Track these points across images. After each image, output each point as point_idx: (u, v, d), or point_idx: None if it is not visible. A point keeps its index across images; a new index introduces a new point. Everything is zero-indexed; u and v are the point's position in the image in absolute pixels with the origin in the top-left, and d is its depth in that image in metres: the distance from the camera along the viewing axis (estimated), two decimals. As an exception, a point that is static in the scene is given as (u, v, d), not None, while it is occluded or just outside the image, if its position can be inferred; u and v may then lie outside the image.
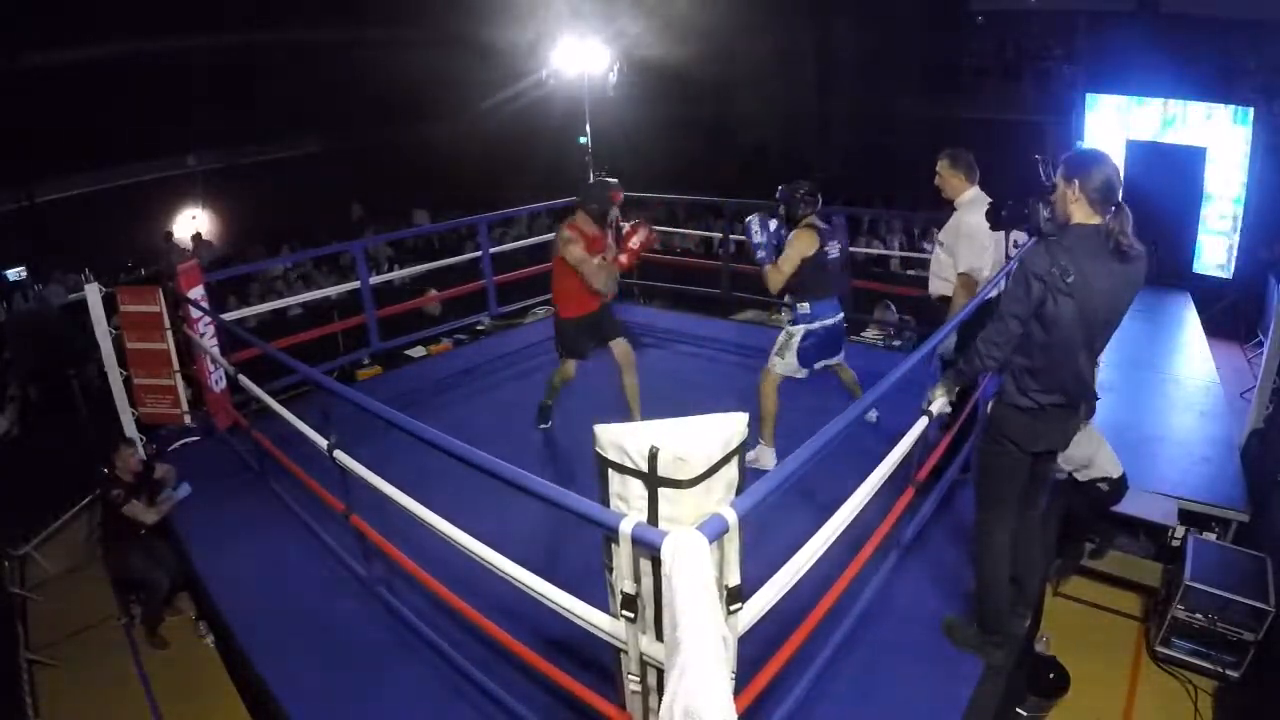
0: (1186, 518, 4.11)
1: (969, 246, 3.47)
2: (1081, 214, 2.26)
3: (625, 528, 1.64)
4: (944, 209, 3.79)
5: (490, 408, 4.98)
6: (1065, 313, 2.24)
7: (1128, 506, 3.99)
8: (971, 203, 3.52)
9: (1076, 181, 2.24)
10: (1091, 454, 3.70)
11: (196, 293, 4.65)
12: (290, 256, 8.49)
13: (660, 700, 1.36)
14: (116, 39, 9.80)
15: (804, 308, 3.89)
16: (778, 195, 3.88)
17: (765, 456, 3.96)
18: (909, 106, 11.75)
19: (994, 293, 3.17)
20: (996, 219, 3.27)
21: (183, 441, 4.65)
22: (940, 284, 3.72)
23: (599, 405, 4.60)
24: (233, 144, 11.39)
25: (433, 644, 2.78)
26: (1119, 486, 3.81)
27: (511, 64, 10.62)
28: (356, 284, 5.45)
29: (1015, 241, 4.91)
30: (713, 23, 10.76)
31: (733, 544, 1.69)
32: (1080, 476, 3.75)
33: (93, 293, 4.27)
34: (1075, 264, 2.20)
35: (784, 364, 3.90)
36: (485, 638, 2.56)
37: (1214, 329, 7.13)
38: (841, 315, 3.98)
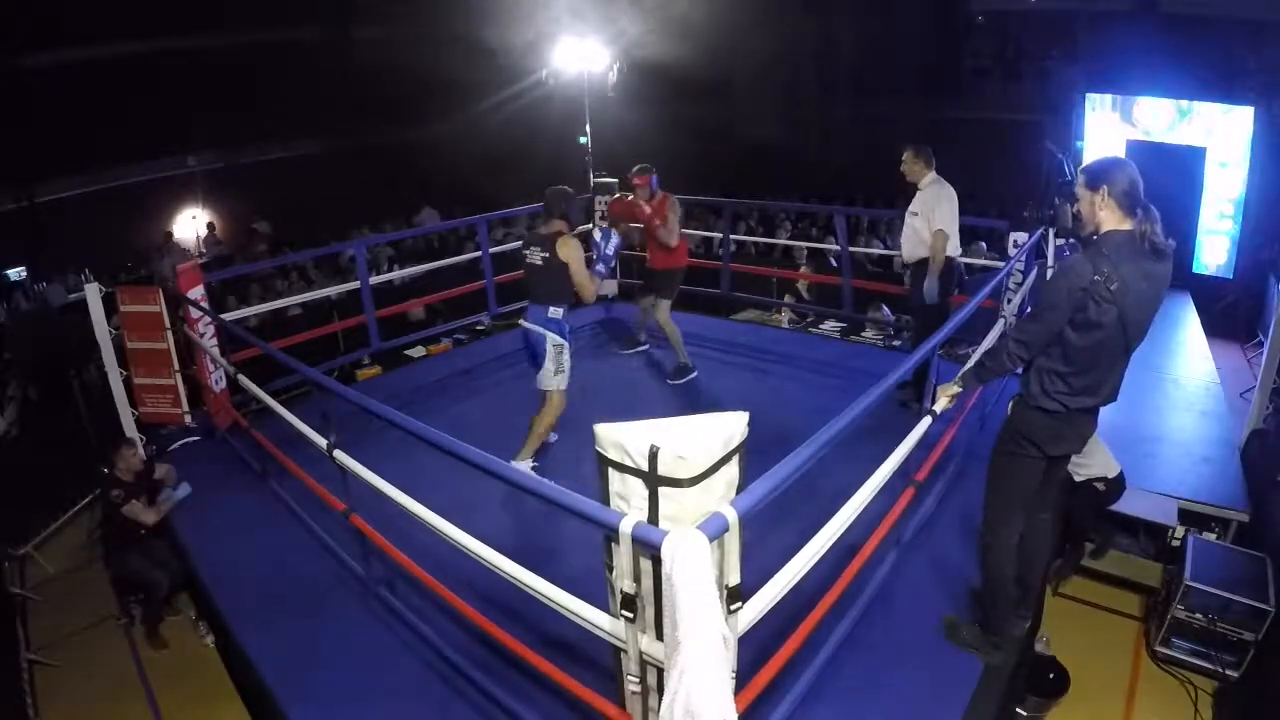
0: (1186, 518, 4.10)
1: (948, 209, 4.26)
2: (1113, 220, 2.26)
3: (625, 527, 1.64)
4: None
5: (490, 408, 4.98)
6: (1108, 319, 2.24)
7: (1128, 506, 3.99)
8: (935, 181, 4.35)
9: (1104, 188, 2.24)
10: (1090, 449, 3.71)
11: (196, 293, 4.65)
12: (291, 256, 8.47)
13: (660, 700, 1.36)
14: (117, 39, 9.81)
15: None
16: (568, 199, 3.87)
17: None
18: (909, 106, 11.75)
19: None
20: (1020, 221, 3.42)
21: (183, 441, 4.65)
22: (919, 247, 4.40)
23: (600, 405, 4.60)
24: (233, 144, 11.39)
25: (433, 644, 2.77)
26: (1116, 486, 3.81)
27: (512, 64, 10.62)
28: (356, 284, 5.45)
29: (1015, 241, 4.96)
30: (713, 23, 10.76)
31: (733, 543, 1.69)
32: (1077, 476, 3.75)
33: (93, 293, 4.27)
34: (1117, 271, 2.20)
35: None
36: (485, 638, 2.56)
37: (1214, 329, 7.12)
38: (526, 324, 3.84)
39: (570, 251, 3.71)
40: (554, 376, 3.83)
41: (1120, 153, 8.53)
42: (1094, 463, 3.76)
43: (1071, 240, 4.31)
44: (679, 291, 5.34)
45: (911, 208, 4.43)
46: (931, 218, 4.29)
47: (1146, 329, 2.37)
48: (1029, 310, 2.38)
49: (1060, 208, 2.40)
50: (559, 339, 3.77)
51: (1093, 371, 2.34)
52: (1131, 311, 2.24)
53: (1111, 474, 3.77)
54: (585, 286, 3.78)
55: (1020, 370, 2.50)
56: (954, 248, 4.35)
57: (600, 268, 4.07)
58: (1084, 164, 2.36)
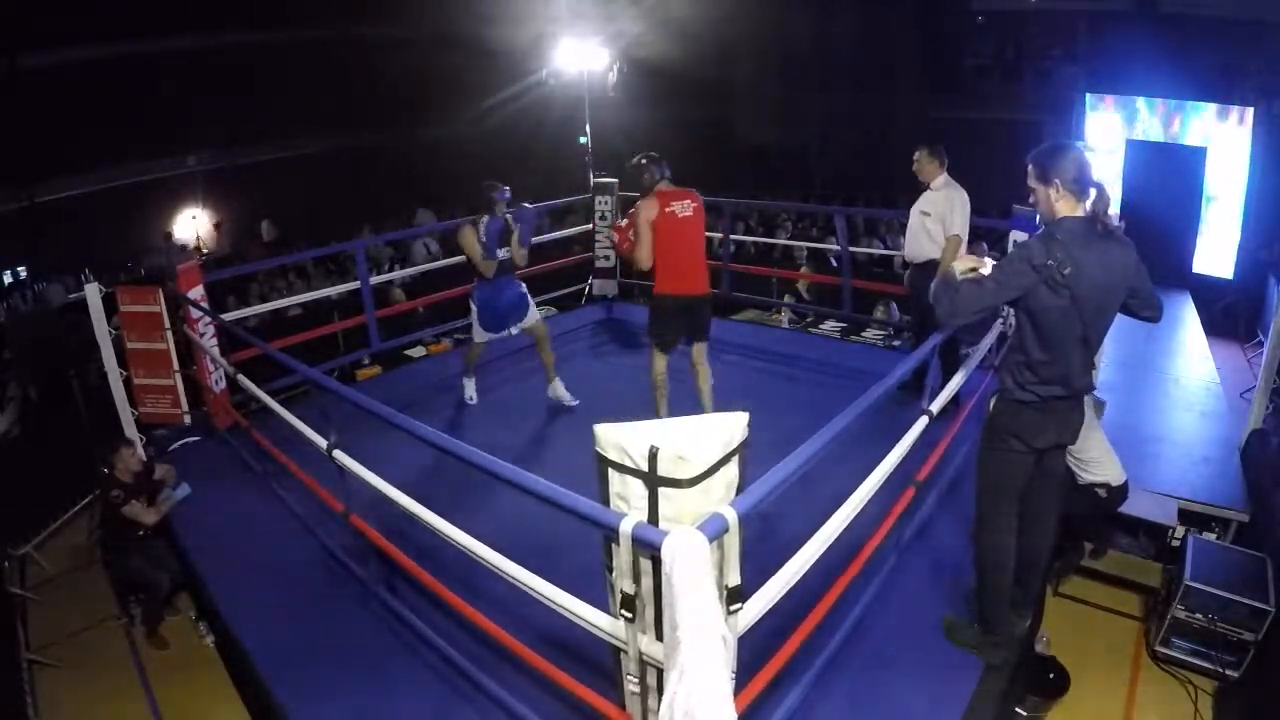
0: (1186, 518, 4.10)
1: (962, 215, 4.29)
2: (1067, 207, 2.29)
3: (625, 527, 1.64)
4: None
5: (490, 408, 4.98)
6: (1060, 304, 2.26)
7: (1128, 506, 3.97)
8: (948, 183, 4.35)
9: (1056, 181, 2.27)
10: (1099, 455, 3.69)
11: (196, 293, 4.65)
12: (292, 256, 8.47)
13: (660, 700, 1.36)
14: (117, 39, 9.81)
15: None
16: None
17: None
18: (909, 106, 11.75)
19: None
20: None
21: (183, 441, 4.65)
22: (928, 247, 4.40)
23: (599, 405, 4.60)
24: (233, 144, 11.39)
25: (433, 644, 2.78)
26: (1119, 494, 3.80)
27: (512, 64, 10.63)
28: (356, 284, 5.45)
29: (1015, 241, 4.99)
30: (712, 23, 10.77)
31: (733, 543, 1.69)
32: (1080, 479, 3.74)
33: (93, 293, 4.27)
34: (1070, 257, 2.22)
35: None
36: (485, 638, 2.56)
37: (1214, 329, 7.12)
38: None
39: (458, 240, 4.52)
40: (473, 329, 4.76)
41: (1121, 152, 8.55)
42: (1103, 468, 3.73)
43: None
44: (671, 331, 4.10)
45: (921, 206, 4.41)
46: (947, 222, 4.28)
47: (1105, 320, 2.38)
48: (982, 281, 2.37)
49: None
50: (471, 305, 4.68)
51: (1055, 361, 2.35)
52: (1086, 298, 2.25)
53: (1116, 482, 3.76)
54: (477, 266, 4.50)
55: (953, 322, 2.47)
56: (963, 251, 4.34)
57: (493, 252, 4.49)
58: (1031, 152, 2.37)
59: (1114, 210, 2.31)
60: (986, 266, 2.51)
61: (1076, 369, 2.39)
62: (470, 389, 5.03)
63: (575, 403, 4.84)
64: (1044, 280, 2.24)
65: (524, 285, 4.77)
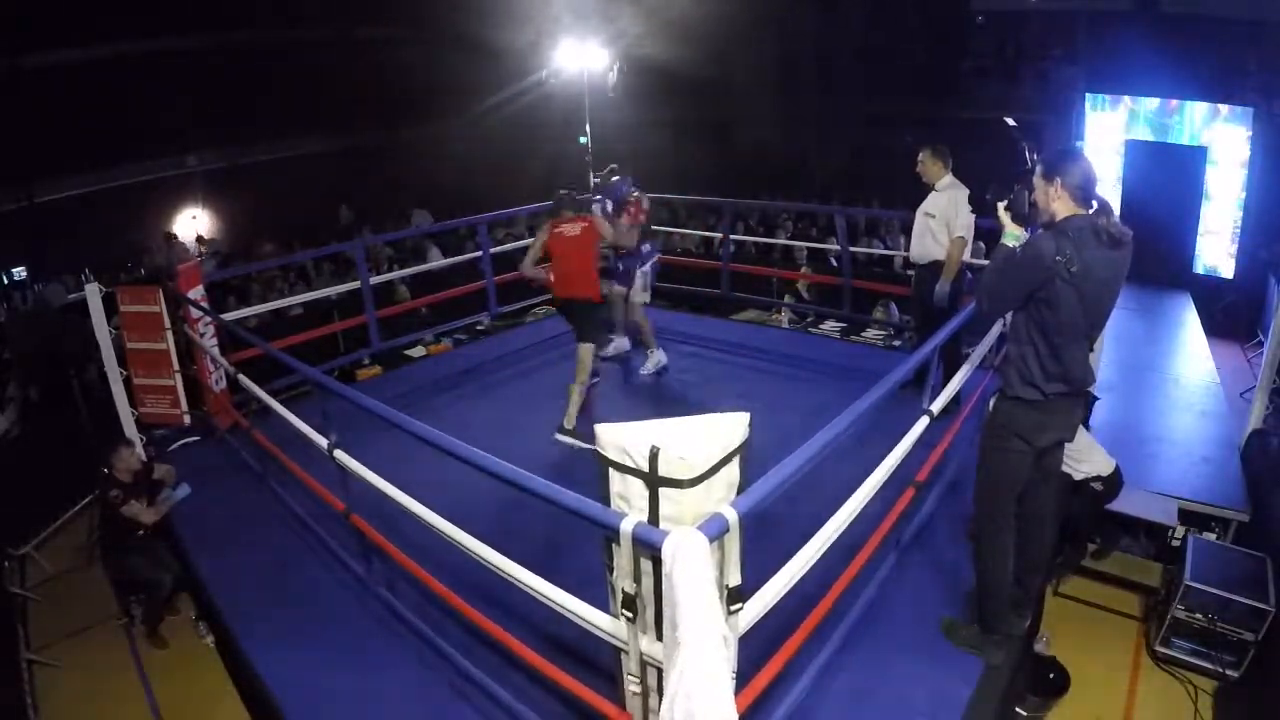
0: (1186, 518, 4.10)
1: (968, 215, 4.27)
2: (1066, 209, 2.32)
3: (626, 527, 1.64)
4: None
5: (490, 407, 4.98)
6: (1068, 300, 2.28)
7: (1128, 506, 3.98)
8: (953, 184, 4.32)
9: (1058, 180, 2.30)
10: (1082, 445, 3.70)
11: (196, 293, 4.65)
12: (290, 256, 8.48)
13: (660, 700, 1.36)
14: (117, 39, 9.81)
15: None
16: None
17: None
18: (909, 106, 11.74)
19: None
20: (981, 204, 3.57)
21: (183, 441, 4.65)
22: (933, 248, 4.39)
23: (600, 405, 4.60)
24: (233, 144, 11.38)
25: (433, 644, 2.78)
26: (1113, 484, 3.80)
27: (512, 64, 10.63)
28: (356, 284, 5.45)
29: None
30: (712, 23, 10.76)
31: (733, 543, 1.69)
32: (1075, 475, 3.75)
33: (93, 293, 4.27)
34: (1079, 255, 2.24)
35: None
36: (486, 638, 2.56)
37: (1214, 329, 7.12)
38: None
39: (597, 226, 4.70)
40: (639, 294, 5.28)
41: (1120, 152, 8.54)
42: (1090, 460, 3.74)
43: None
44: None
45: (926, 208, 4.40)
46: (952, 224, 4.26)
47: (1104, 319, 2.44)
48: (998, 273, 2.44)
49: (1019, 193, 2.49)
50: (646, 272, 5.26)
51: (1061, 356, 2.38)
52: (1091, 295, 2.30)
53: (1107, 472, 3.76)
54: (621, 240, 5.01)
55: (996, 300, 2.51)
56: (967, 252, 4.35)
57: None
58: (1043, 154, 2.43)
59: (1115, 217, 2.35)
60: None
61: (1080, 365, 2.42)
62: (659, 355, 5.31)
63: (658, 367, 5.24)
64: (1054, 275, 2.26)
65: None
